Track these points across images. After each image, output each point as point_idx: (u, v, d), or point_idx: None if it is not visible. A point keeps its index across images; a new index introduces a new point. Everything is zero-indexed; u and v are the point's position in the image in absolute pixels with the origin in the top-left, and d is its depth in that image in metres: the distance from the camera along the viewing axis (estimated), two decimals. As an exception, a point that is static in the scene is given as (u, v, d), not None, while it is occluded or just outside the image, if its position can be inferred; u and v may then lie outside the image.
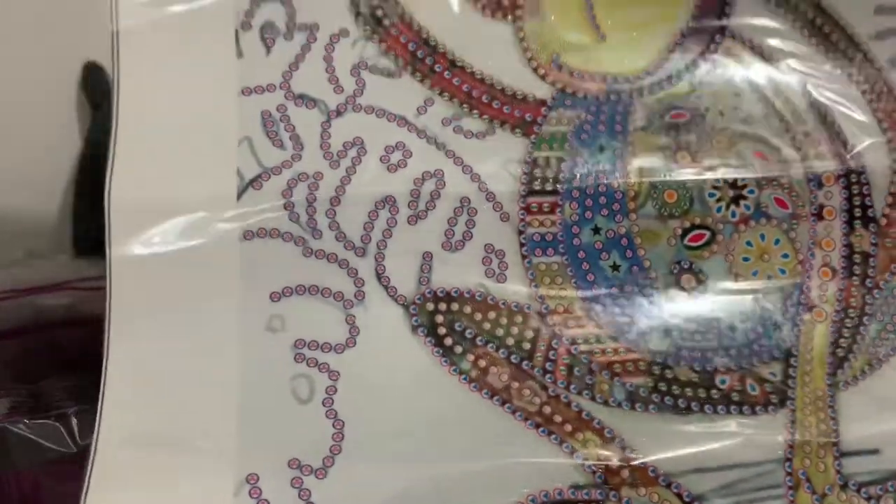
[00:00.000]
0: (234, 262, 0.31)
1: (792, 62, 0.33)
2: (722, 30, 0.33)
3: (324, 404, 0.30)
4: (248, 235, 0.31)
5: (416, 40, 0.32)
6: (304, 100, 0.32)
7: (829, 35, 0.33)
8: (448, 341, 0.31)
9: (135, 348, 0.30)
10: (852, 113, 0.33)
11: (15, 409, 0.35)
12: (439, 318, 0.31)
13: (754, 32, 0.33)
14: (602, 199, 0.32)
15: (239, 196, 0.31)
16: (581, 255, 0.32)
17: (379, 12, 0.32)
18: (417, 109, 0.32)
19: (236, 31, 0.32)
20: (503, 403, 0.31)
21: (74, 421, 0.33)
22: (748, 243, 0.32)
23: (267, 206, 0.31)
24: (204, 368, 0.30)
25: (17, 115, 0.56)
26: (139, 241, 0.30)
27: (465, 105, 0.32)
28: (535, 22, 0.33)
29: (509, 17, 0.33)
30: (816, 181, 0.32)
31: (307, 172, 0.31)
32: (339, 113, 0.32)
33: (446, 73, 0.32)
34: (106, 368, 0.30)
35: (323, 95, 0.32)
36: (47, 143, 0.57)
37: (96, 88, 0.55)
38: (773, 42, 0.33)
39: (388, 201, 0.31)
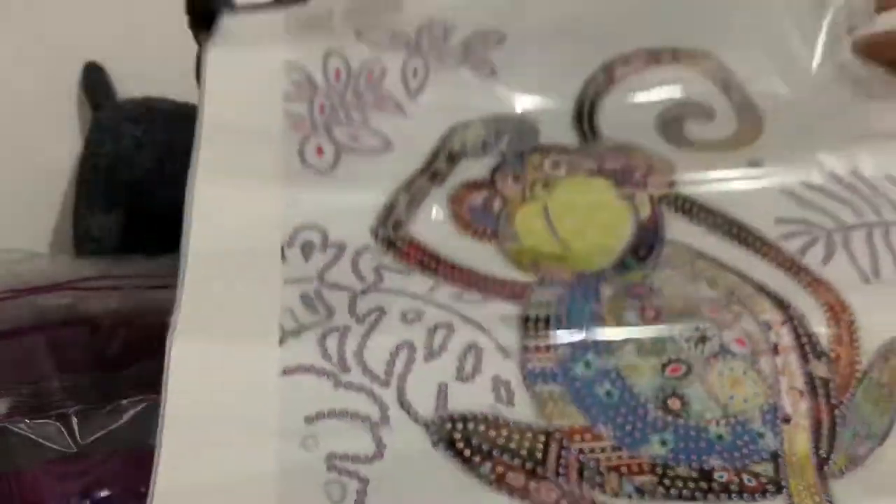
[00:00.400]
0: (273, 392, 0.35)
1: (720, 257, 0.42)
2: (661, 242, 0.42)
3: (355, 503, 0.33)
4: (286, 371, 0.36)
5: (422, 254, 0.41)
6: (335, 287, 0.39)
7: (745, 239, 0.42)
8: (466, 453, 0.34)
9: (185, 455, 0.33)
10: (781, 281, 0.40)
11: (15, 409, 0.35)
12: (457, 436, 0.35)
13: (685, 242, 0.42)
14: (589, 341, 0.38)
15: (280, 343, 0.36)
16: (578, 384, 0.37)
17: (392, 237, 0.41)
18: (427, 290, 0.39)
19: (282, 247, 0.40)
20: (523, 499, 0.33)
21: (74, 421, 0.33)
22: (720, 373, 0.37)
23: (303, 350, 0.36)
24: (243, 475, 0.33)
25: (17, 115, 0.57)
26: (198, 381, 0.35)
27: (465, 287, 0.40)
28: (513, 244, 0.42)
29: (492, 241, 0.42)
30: (766, 325, 0.39)
31: (338, 326, 0.37)
32: (363, 293, 0.39)
33: (448, 271, 0.41)
34: (156, 469, 0.32)
35: (350, 284, 0.39)
36: (47, 143, 0.57)
37: (96, 88, 0.57)
38: (703, 246, 0.42)
39: (407, 344, 0.37)
